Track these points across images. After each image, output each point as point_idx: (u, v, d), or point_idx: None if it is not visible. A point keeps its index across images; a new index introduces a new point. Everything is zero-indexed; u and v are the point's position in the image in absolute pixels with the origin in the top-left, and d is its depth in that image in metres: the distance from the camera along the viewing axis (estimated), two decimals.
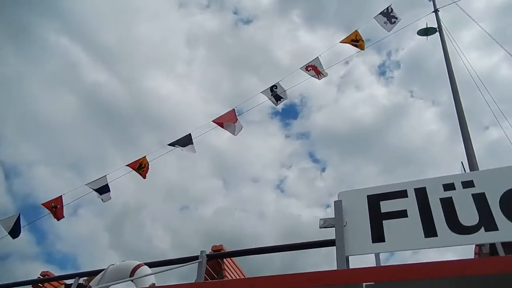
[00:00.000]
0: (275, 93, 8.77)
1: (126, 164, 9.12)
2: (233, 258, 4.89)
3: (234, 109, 8.88)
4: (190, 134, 8.92)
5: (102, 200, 9.14)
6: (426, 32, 8.91)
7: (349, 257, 2.69)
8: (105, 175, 9.15)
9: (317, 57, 8.75)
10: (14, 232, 8.88)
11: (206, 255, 4.41)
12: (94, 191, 8.67)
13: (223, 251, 4.64)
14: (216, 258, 4.59)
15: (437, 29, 8.70)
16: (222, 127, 9.03)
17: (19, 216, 9.02)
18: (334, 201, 2.91)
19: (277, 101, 8.89)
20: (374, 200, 2.86)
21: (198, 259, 4.37)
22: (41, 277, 6.17)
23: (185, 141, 8.84)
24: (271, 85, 8.66)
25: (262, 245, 4.31)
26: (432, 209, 2.66)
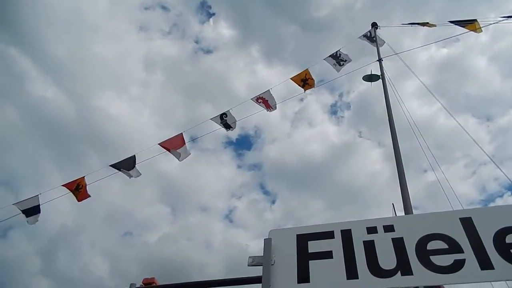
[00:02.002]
0: (225, 121, 8.84)
1: (62, 184, 8.63)
2: None
3: (182, 134, 8.82)
4: (134, 156, 8.66)
5: (27, 222, 8.49)
6: (370, 78, 9.54)
7: None
8: (37, 195, 8.55)
9: (268, 90, 9.00)
10: None
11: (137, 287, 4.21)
12: (21, 212, 8.05)
13: (154, 284, 4.44)
14: None
15: (380, 77, 9.36)
16: (169, 151, 8.89)
17: None
18: (264, 239, 2.93)
19: (227, 129, 8.95)
20: (302, 240, 2.92)
21: None
22: None
23: (129, 163, 8.56)
24: (221, 113, 8.73)
25: (207, 274, 4.21)
26: (356, 252, 2.76)
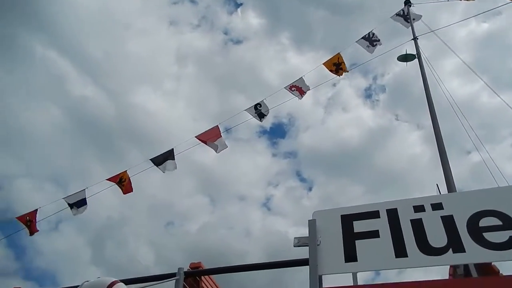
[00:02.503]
0: (259, 111, 8.88)
1: (107, 178, 9.03)
2: (212, 276, 4.83)
3: (218, 126, 8.94)
4: (172, 149, 8.91)
5: (75, 214, 8.96)
6: (405, 58, 9.22)
7: (323, 276, 2.73)
8: (84, 189, 9.02)
9: (301, 77, 8.95)
10: None
11: (184, 272, 4.36)
12: (69, 205, 8.52)
13: (201, 268, 4.59)
14: (194, 276, 4.53)
15: (416, 56, 9.02)
16: (206, 144, 9.05)
17: None
18: (309, 220, 2.96)
19: (260, 119, 9.00)
20: (347, 220, 2.92)
21: (175, 276, 4.32)
22: None
23: (167, 156, 8.82)
24: (256, 103, 8.78)
25: (248, 262, 4.31)
26: (403, 230, 2.73)
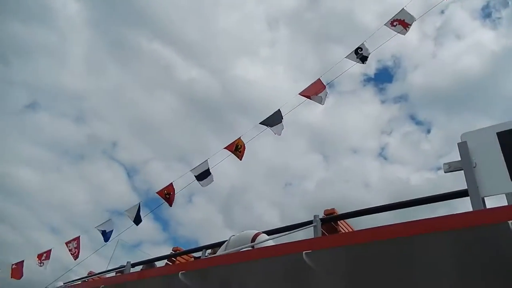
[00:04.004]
0: (360, 55, 8.41)
1: (224, 147, 9.65)
2: (348, 221, 4.91)
3: (319, 79, 8.75)
4: (279, 110, 9.04)
5: (201, 185, 9.81)
6: None
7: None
8: (206, 160, 9.81)
9: (403, 8, 8.13)
10: (137, 220, 10.05)
11: (320, 219, 4.51)
12: (196, 177, 9.36)
13: (335, 213, 4.69)
14: (330, 221, 4.66)
15: None
16: (310, 99, 8.98)
17: (139, 205, 10.18)
18: (458, 143, 2.75)
19: (363, 62, 8.52)
20: (506, 137, 2.63)
21: (312, 223, 4.50)
22: (173, 252, 6.94)
23: (276, 118, 9.00)
24: (356, 48, 8.32)
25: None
26: None
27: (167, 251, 8.08)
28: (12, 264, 9.95)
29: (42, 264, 9.70)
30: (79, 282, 6.35)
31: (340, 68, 8.99)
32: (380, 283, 3.10)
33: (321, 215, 4.65)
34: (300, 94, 8.87)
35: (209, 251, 5.64)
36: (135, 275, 5.09)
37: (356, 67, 8.98)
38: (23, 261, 10.12)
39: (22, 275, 9.92)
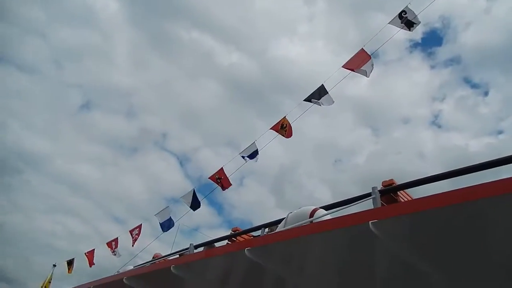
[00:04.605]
0: (405, 19, 8.00)
1: (270, 127, 9.71)
2: (408, 191, 4.80)
3: (362, 49, 8.45)
4: (322, 84, 8.89)
5: (253, 160, 9.95)
6: None
7: None
8: (254, 142, 9.94)
9: None
10: (194, 205, 10.47)
11: (379, 190, 4.44)
12: (244, 158, 9.52)
13: (394, 184, 4.60)
14: (389, 192, 4.58)
15: None
16: (354, 71, 8.73)
17: (194, 191, 10.58)
18: None
19: (409, 28, 8.11)
20: None
21: (370, 196, 4.44)
22: (233, 232, 7.21)
23: (320, 93, 8.87)
24: (400, 11, 7.91)
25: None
26: None
27: (224, 234, 8.38)
28: (85, 253, 10.82)
29: (115, 253, 10.44)
30: (149, 265, 6.79)
31: (383, 36, 8.63)
32: (449, 249, 3.04)
33: (379, 187, 4.57)
34: (343, 67, 8.64)
35: (266, 229, 5.77)
36: (202, 254, 5.36)
37: (401, 34, 8.57)
38: (93, 249, 10.97)
39: (93, 263, 10.78)
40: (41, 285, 11.28)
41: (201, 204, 10.25)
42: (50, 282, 11.27)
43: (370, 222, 2.74)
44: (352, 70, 8.69)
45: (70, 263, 11.09)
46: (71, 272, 10.87)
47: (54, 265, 11.53)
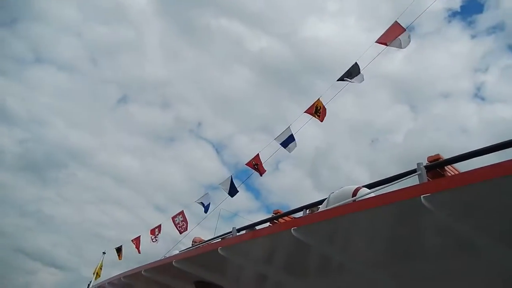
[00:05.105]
0: None
1: (304, 111, 9.60)
2: (455, 166, 4.65)
3: (396, 21, 8.13)
4: (356, 63, 8.66)
5: (288, 151, 9.92)
6: None
7: None
8: (288, 126, 9.89)
9: None
10: (232, 191, 10.62)
11: (424, 166, 4.33)
12: (281, 144, 9.49)
13: (441, 159, 4.47)
14: (436, 168, 4.46)
15: None
16: (387, 45, 8.43)
17: (231, 177, 10.73)
18: None
19: None
20: None
21: (416, 172, 4.34)
22: (274, 214, 7.31)
23: (353, 71, 8.65)
24: None
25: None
26: None
27: (262, 218, 8.49)
28: (132, 240, 11.34)
29: (156, 240, 10.87)
30: (194, 249, 7.02)
31: (419, 8, 8.25)
32: (506, 221, 2.94)
33: (425, 163, 4.46)
34: (377, 42, 8.36)
35: (308, 211, 5.80)
36: (249, 235, 5.48)
37: (437, 3, 8.17)
38: (139, 236, 11.46)
39: (139, 251, 11.29)
40: (93, 271, 11.98)
41: (239, 189, 10.41)
42: (101, 269, 11.94)
43: (422, 196, 2.69)
44: (386, 44, 8.40)
45: (118, 250, 11.68)
46: (121, 259, 11.45)
47: (104, 253, 12.20)
